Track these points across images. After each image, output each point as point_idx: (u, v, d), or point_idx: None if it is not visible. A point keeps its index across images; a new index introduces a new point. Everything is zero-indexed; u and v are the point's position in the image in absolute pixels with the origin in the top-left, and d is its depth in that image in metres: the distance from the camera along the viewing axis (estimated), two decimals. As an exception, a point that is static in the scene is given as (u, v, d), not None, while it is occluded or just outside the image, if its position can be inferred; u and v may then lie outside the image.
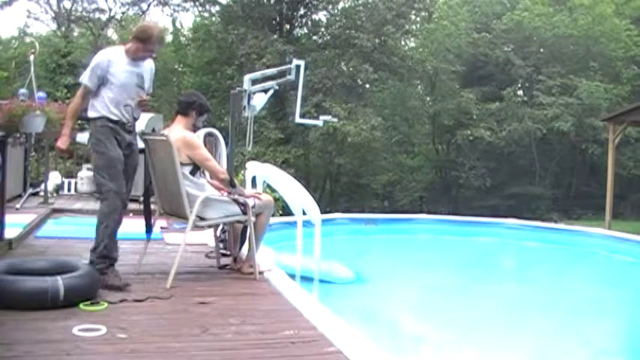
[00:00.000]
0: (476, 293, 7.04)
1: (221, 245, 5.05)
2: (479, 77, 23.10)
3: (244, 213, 4.44)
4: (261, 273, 4.54)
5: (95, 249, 4.11)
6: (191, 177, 4.40)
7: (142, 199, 4.87)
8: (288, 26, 22.37)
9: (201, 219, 4.37)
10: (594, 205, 18.97)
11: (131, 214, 7.43)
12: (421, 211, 19.16)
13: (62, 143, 4.32)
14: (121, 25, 26.32)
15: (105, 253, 4.08)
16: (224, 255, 4.96)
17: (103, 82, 4.19)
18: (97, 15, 25.26)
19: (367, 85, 22.33)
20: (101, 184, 4.17)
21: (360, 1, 21.97)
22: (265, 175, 6.43)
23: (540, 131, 21.13)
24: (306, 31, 23.18)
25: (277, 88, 5.42)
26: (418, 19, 23.64)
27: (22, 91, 7.62)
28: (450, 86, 23.32)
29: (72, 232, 6.17)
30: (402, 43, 23.09)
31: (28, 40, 24.28)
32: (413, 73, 22.46)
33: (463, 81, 23.13)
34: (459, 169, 22.63)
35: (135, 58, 4.25)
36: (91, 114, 4.28)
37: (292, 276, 5.18)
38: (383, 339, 4.80)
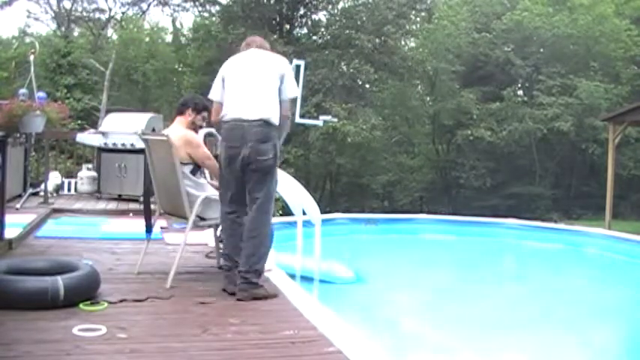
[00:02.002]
0: (476, 293, 7.04)
1: (221, 245, 5.04)
2: (479, 77, 23.11)
3: (244, 213, 4.43)
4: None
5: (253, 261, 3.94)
6: (191, 177, 4.41)
7: (142, 199, 4.88)
8: (288, 26, 22.37)
9: (201, 219, 4.37)
10: (594, 205, 18.97)
11: (131, 214, 7.51)
12: (421, 211, 19.16)
13: None
14: (121, 25, 26.32)
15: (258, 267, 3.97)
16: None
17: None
18: (97, 15, 25.29)
19: (367, 85, 22.34)
20: (271, 198, 4.04)
21: (360, 1, 21.97)
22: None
23: (540, 131, 21.13)
24: (306, 31, 23.18)
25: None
26: (418, 19, 23.65)
27: (22, 91, 7.61)
28: (450, 86, 23.33)
29: (72, 232, 6.17)
30: (402, 43, 23.10)
31: (28, 40, 24.33)
32: (413, 73, 22.47)
33: (463, 81, 23.13)
34: (459, 169, 22.64)
35: None
36: (275, 119, 3.98)
37: (292, 276, 5.18)
38: (383, 339, 4.80)
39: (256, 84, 4.04)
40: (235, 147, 3.94)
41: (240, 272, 3.92)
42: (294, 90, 4.15)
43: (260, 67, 4.11)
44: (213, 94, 4.16)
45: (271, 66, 4.10)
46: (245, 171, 3.97)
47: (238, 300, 3.87)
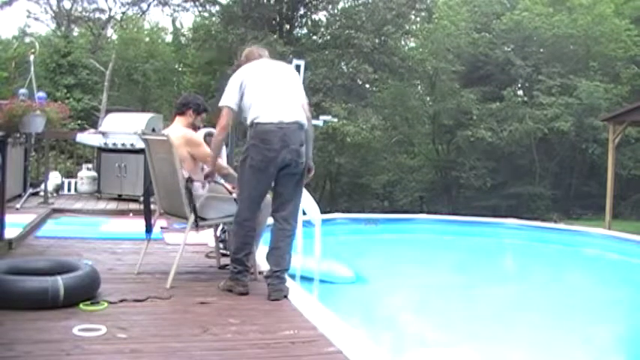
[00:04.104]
0: (476, 293, 7.05)
1: (221, 245, 5.05)
2: (479, 77, 23.09)
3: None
4: (260, 273, 4.53)
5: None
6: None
7: (142, 199, 4.88)
8: (288, 26, 22.37)
9: (202, 219, 4.37)
10: (594, 205, 18.97)
11: (131, 214, 7.51)
12: (421, 211, 19.15)
13: None
14: (121, 25, 26.31)
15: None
16: (224, 255, 4.96)
17: None
18: (97, 15, 25.26)
19: (367, 85, 22.33)
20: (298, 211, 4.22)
21: (360, 1, 21.97)
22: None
23: (541, 131, 21.12)
24: (306, 31, 23.18)
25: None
26: (418, 19, 23.64)
27: (22, 91, 7.62)
28: (450, 86, 23.31)
29: (72, 232, 6.18)
30: (402, 43, 23.09)
31: (28, 40, 24.29)
32: (413, 73, 22.45)
33: (463, 81, 23.11)
34: (459, 169, 22.62)
35: None
36: (305, 122, 4.06)
37: (292, 276, 5.17)
38: (383, 339, 4.81)
39: (286, 89, 4.06)
40: (275, 150, 3.87)
41: (276, 272, 3.98)
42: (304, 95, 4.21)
43: (284, 73, 4.16)
44: (229, 101, 4.03)
45: (292, 73, 4.21)
46: (279, 174, 3.95)
47: (274, 300, 3.91)
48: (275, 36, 20.20)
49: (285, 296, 3.97)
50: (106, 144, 8.73)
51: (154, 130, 7.95)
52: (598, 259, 9.57)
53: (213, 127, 4.44)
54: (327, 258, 6.73)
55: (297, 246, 6.51)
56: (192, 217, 4.24)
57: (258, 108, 3.95)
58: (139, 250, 4.72)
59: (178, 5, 23.84)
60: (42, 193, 8.26)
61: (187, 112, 4.64)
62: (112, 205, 8.23)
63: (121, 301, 3.73)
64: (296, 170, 3.96)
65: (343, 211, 13.62)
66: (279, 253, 3.99)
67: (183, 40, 27.04)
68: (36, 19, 25.75)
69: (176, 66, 26.75)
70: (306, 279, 6.24)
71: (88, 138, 9.27)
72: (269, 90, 4.03)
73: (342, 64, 21.24)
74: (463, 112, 22.28)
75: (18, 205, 7.41)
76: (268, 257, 4.06)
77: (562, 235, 10.52)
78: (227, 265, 4.82)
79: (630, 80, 22.13)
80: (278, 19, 22.13)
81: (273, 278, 3.99)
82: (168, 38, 28.43)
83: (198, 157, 4.48)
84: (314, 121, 7.44)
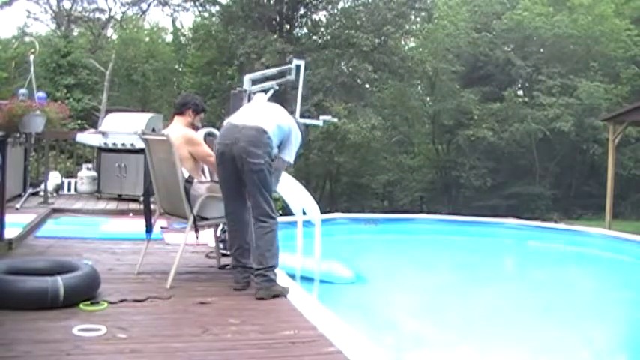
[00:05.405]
0: (476, 293, 7.04)
1: (221, 245, 5.04)
2: (479, 77, 23.11)
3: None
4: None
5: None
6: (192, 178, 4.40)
7: (142, 199, 4.87)
8: (288, 26, 22.37)
9: (202, 219, 4.37)
10: (594, 205, 18.99)
11: (131, 214, 7.51)
12: (421, 211, 19.16)
13: None
14: (121, 25, 26.31)
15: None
16: (224, 255, 4.96)
17: None
18: (96, 15, 25.26)
19: (367, 85, 22.35)
20: (267, 198, 4.04)
21: (360, 1, 21.98)
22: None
23: (541, 132, 21.12)
24: (306, 31, 23.19)
25: (277, 88, 5.43)
26: (418, 19, 23.66)
27: (22, 91, 7.61)
28: (450, 86, 23.34)
29: (72, 232, 6.17)
30: (402, 43, 23.11)
31: (28, 40, 24.29)
32: (413, 73, 22.46)
33: (463, 81, 23.14)
34: (459, 169, 22.64)
35: None
36: (270, 132, 4.06)
37: (292, 276, 5.17)
38: (383, 339, 4.81)
39: (260, 109, 4.26)
40: (226, 144, 4.00)
41: (258, 270, 3.97)
42: (290, 154, 4.23)
43: (272, 107, 4.32)
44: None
45: (283, 113, 4.23)
46: (239, 171, 4.01)
47: (259, 299, 3.89)
48: (275, 36, 20.19)
49: (277, 296, 3.96)
50: (106, 144, 8.72)
51: (153, 130, 7.94)
52: (598, 259, 9.56)
53: (213, 126, 4.46)
54: (327, 258, 6.73)
55: (297, 246, 6.54)
56: (192, 217, 4.25)
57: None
58: (139, 250, 4.72)
59: (178, 5, 23.86)
60: (42, 193, 8.25)
61: (186, 112, 4.65)
62: (112, 205, 8.23)
63: (121, 301, 3.73)
64: (248, 168, 3.94)
65: (343, 211, 13.61)
66: (260, 252, 4.00)
67: (183, 40, 27.06)
68: (36, 19, 25.77)
69: (176, 66, 26.77)
70: (306, 279, 6.24)
71: (88, 138, 9.26)
72: (244, 108, 4.42)
73: (342, 63, 21.25)
74: (463, 112, 22.31)
75: (18, 205, 7.40)
76: (252, 257, 4.10)
77: (562, 235, 10.51)
78: (227, 265, 4.83)
79: (630, 80, 22.16)
80: (278, 19, 22.13)
81: (257, 277, 3.99)
82: (169, 38, 28.46)
83: (198, 156, 4.50)
84: (314, 121, 7.44)
